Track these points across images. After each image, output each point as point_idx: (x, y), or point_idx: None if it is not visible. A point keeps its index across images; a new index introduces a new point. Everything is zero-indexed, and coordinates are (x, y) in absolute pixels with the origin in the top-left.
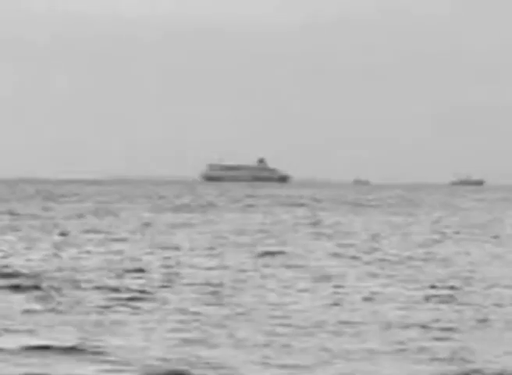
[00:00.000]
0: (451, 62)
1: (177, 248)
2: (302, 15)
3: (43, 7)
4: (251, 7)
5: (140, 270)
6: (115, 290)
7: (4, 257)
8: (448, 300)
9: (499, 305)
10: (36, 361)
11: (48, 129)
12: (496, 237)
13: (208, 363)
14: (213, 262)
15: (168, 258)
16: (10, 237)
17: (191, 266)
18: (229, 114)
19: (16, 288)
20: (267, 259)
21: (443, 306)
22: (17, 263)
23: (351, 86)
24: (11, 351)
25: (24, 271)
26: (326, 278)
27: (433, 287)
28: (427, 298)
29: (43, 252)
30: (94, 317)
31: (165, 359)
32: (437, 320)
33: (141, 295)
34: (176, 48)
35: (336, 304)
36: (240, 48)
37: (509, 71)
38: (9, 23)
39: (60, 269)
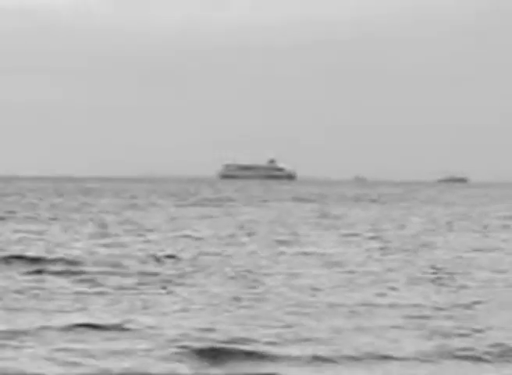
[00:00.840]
0: None
1: (202, 238)
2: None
3: None
4: None
5: (172, 256)
6: (151, 274)
7: (51, 246)
8: (444, 282)
9: (489, 288)
10: (84, 337)
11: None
12: (485, 227)
13: (239, 339)
14: (235, 250)
15: (196, 246)
16: (55, 227)
17: (216, 254)
18: (240, 118)
19: (65, 273)
20: (283, 247)
21: (440, 288)
22: (63, 251)
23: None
24: (63, 329)
25: (69, 258)
26: (337, 263)
27: (432, 269)
28: (425, 280)
29: (85, 241)
30: (133, 298)
31: (200, 337)
32: (435, 301)
33: (175, 279)
34: None
35: (346, 286)
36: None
37: None
38: None
39: (101, 256)
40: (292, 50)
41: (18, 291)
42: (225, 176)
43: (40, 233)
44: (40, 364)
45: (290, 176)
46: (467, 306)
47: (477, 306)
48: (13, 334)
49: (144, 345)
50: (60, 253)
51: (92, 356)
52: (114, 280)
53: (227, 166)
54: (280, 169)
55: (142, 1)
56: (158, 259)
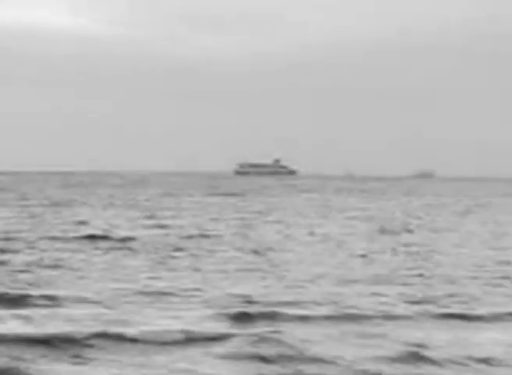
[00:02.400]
0: None
1: (227, 220)
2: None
3: None
4: None
5: (206, 236)
6: (195, 248)
7: (107, 227)
8: (426, 257)
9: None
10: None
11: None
12: (463, 212)
13: (265, 297)
14: (254, 231)
15: (233, 225)
16: (109, 212)
17: (238, 233)
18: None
19: (124, 248)
20: (294, 229)
21: (423, 262)
22: (116, 231)
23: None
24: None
25: (122, 234)
26: (342, 242)
27: (406, 246)
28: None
29: (133, 223)
30: (184, 264)
31: (238, 300)
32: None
33: (210, 254)
34: None
35: (356, 258)
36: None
37: None
38: None
39: (148, 235)
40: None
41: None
42: (239, 173)
43: (99, 216)
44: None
45: (292, 172)
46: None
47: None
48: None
49: (190, 306)
50: (119, 232)
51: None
52: (165, 252)
53: (240, 164)
54: (283, 167)
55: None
56: (205, 236)
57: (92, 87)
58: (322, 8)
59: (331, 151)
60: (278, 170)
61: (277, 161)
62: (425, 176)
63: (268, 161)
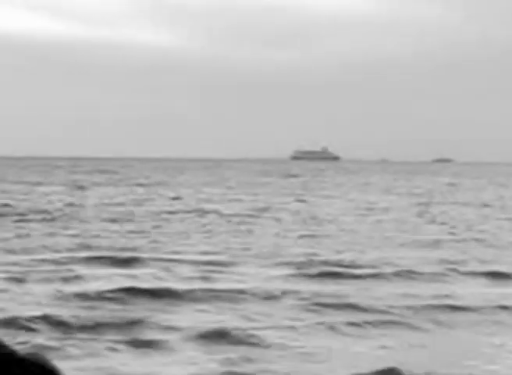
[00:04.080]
0: None
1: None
2: None
3: None
4: None
5: (265, 209)
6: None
7: (195, 202)
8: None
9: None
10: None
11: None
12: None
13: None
14: (300, 203)
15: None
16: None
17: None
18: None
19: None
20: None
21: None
22: (207, 206)
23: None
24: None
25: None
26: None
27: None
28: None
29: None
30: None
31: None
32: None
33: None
34: None
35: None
36: None
37: None
38: None
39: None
40: None
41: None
42: (294, 158)
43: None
44: None
45: (336, 158)
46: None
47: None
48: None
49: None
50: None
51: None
52: (237, 219)
53: (295, 152)
54: (329, 153)
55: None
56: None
57: (175, 93)
58: None
59: (367, 141)
60: (325, 156)
61: (324, 148)
62: (444, 161)
63: (317, 148)
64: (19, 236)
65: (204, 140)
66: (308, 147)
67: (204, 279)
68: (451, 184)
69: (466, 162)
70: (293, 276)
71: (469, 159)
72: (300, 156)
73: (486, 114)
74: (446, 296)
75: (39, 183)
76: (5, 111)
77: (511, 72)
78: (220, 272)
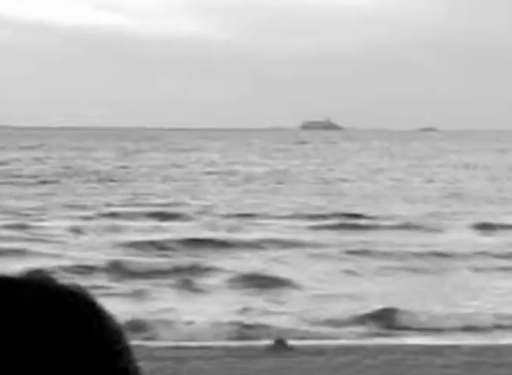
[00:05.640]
0: None
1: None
2: None
3: None
4: None
5: (286, 172)
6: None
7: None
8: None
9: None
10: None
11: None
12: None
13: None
14: (319, 167)
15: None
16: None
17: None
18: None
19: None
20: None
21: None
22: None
23: None
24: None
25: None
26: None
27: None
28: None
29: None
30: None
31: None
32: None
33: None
34: None
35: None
36: None
37: None
38: None
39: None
40: None
41: None
42: (303, 127)
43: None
44: None
45: (338, 128)
46: None
47: None
48: None
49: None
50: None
51: None
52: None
53: (304, 122)
54: (331, 123)
55: None
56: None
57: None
58: None
59: (365, 111)
60: (329, 125)
61: (328, 119)
62: (429, 130)
63: (322, 119)
64: (79, 195)
65: (231, 113)
66: (315, 118)
67: (239, 229)
68: (437, 149)
69: (447, 130)
70: (314, 228)
71: (451, 128)
72: (307, 126)
73: (466, 90)
74: (436, 245)
75: (94, 149)
76: (78, 92)
77: (493, 59)
78: (253, 224)
